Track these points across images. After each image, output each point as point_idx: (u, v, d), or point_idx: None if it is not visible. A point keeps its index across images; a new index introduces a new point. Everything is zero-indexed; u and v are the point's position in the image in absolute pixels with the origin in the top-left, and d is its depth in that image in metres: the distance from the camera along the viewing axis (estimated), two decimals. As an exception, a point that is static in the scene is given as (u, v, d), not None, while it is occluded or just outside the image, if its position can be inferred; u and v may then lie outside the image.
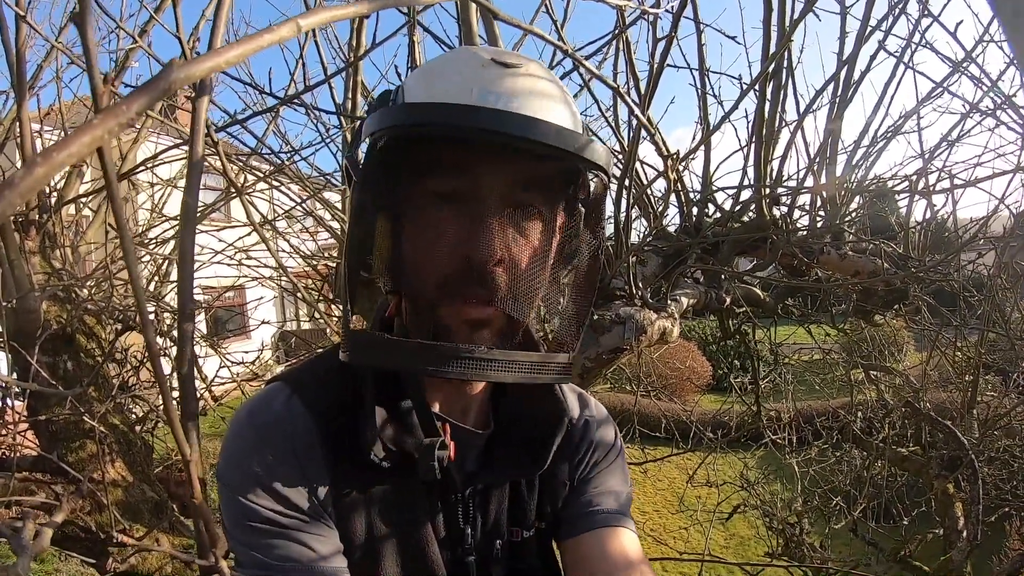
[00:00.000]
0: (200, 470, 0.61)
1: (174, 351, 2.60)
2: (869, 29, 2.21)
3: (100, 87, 0.49)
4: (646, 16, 1.80)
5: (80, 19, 0.42)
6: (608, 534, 0.93)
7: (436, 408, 0.87)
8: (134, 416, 2.71)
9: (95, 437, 2.00)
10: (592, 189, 0.84)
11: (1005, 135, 2.60)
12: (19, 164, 2.45)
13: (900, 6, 2.23)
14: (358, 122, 0.84)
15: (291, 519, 0.78)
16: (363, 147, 0.79)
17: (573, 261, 0.85)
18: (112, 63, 2.60)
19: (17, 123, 1.96)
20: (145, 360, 2.76)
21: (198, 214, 2.60)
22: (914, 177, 2.67)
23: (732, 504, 4.44)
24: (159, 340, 2.68)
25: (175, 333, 2.98)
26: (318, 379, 0.86)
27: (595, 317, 1.90)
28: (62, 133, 2.79)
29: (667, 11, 1.72)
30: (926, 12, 2.32)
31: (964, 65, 2.38)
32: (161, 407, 3.02)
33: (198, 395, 2.65)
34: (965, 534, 3.04)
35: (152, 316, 2.78)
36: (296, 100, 2.13)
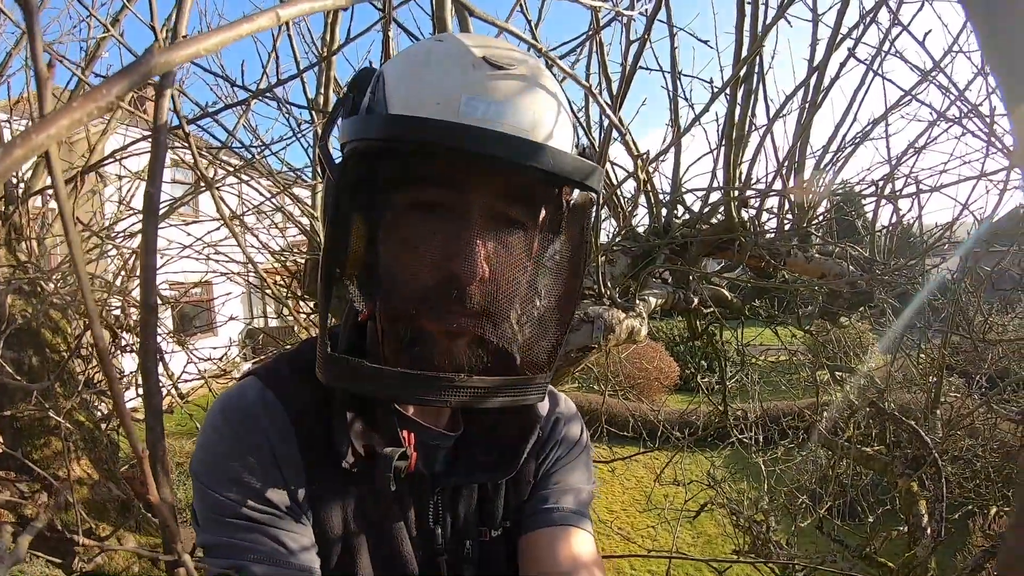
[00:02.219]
0: (166, 465, 0.61)
1: (121, 343, 2.55)
2: (840, 36, 2.25)
3: (44, 74, 0.48)
4: (620, 18, 1.82)
5: (25, 2, 0.41)
6: (561, 533, 0.92)
7: (410, 411, 0.87)
8: (99, 413, 2.67)
9: (60, 434, 1.97)
10: (578, 204, 0.83)
11: (971, 143, 2.68)
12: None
13: (871, 15, 2.27)
14: (332, 110, 0.82)
15: (264, 514, 0.77)
16: (337, 144, 0.78)
17: (555, 278, 0.83)
18: (83, 52, 2.56)
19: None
20: (112, 355, 2.72)
21: (167, 207, 2.57)
22: (881, 182, 2.72)
23: (699, 502, 4.48)
24: (125, 335, 2.65)
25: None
26: (292, 375, 0.85)
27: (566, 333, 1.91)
28: (30, 123, 2.72)
29: (641, 14, 1.74)
30: (896, 21, 2.36)
31: (932, 74, 2.43)
32: (135, 403, 2.98)
33: (165, 393, 2.63)
34: (929, 531, 3.11)
35: (119, 311, 2.73)
36: (268, 94, 2.10)
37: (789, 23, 2.15)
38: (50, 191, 2.49)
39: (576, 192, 0.82)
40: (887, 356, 4.54)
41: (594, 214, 0.93)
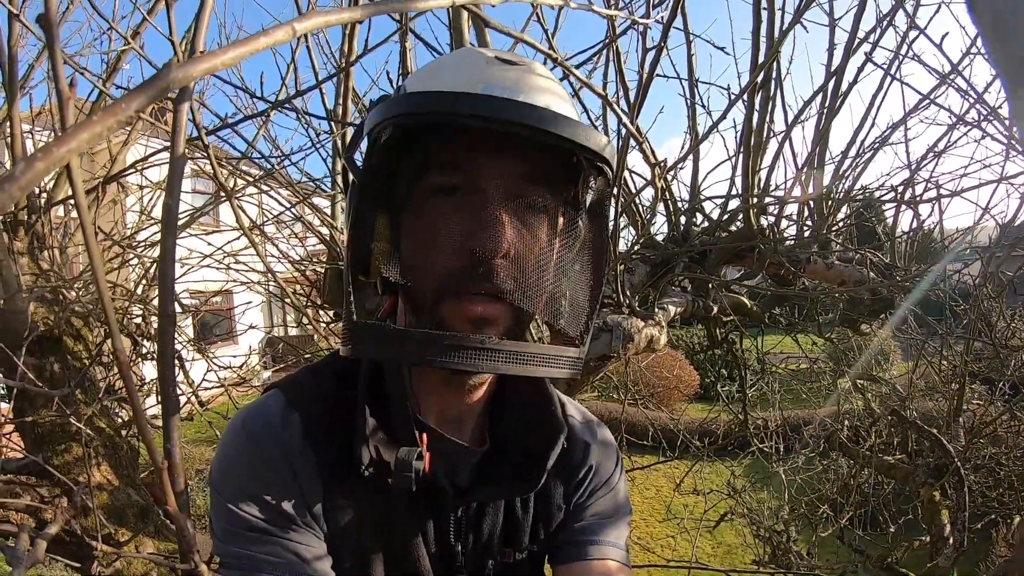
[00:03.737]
0: (181, 476, 0.61)
1: (142, 351, 2.57)
2: (857, 41, 2.23)
3: (66, 92, 0.49)
4: (636, 26, 1.82)
5: (46, 23, 0.42)
6: (595, 567, 0.92)
7: (431, 420, 0.86)
8: (120, 420, 2.70)
9: (81, 440, 1.99)
10: (597, 184, 0.82)
11: (991, 146, 2.64)
12: (8, 165, 2.44)
13: (888, 18, 2.25)
14: (353, 126, 0.84)
15: (280, 527, 0.78)
16: (363, 146, 0.78)
17: (580, 255, 0.82)
18: (104, 64, 2.60)
19: (8, 123, 1.94)
20: (133, 363, 2.75)
21: (187, 218, 2.60)
22: (901, 187, 2.70)
23: (719, 512, 4.44)
24: (146, 343, 2.68)
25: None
26: (314, 388, 0.86)
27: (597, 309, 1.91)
28: (53, 134, 2.78)
29: (657, 22, 1.74)
30: (913, 25, 2.34)
31: (951, 77, 2.40)
32: (154, 411, 3.00)
33: (185, 400, 2.65)
34: (951, 541, 3.06)
35: (140, 319, 2.76)
36: (287, 105, 2.12)
37: (805, 28, 2.14)
38: (72, 201, 2.53)
39: (595, 167, 0.80)
40: (909, 364, 4.49)
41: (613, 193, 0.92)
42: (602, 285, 0.83)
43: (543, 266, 0.75)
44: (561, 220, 0.81)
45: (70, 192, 2.45)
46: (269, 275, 2.39)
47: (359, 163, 0.80)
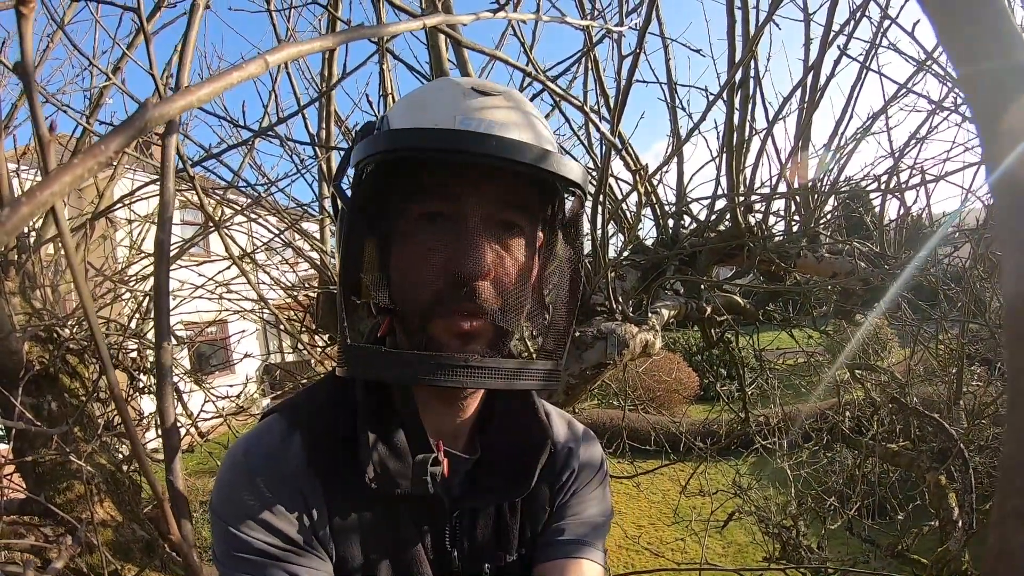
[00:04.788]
0: (186, 506, 0.61)
1: (138, 385, 2.56)
2: (832, 33, 2.25)
3: (46, 136, 0.49)
4: (611, 35, 1.84)
5: (22, 71, 0.42)
6: (571, 566, 0.94)
7: (430, 434, 0.89)
8: (120, 455, 2.69)
9: (82, 477, 1.98)
10: (570, 205, 0.88)
11: (972, 129, 2.65)
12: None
13: (861, 10, 2.27)
14: (339, 152, 0.88)
15: (283, 551, 0.79)
16: (350, 173, 0.83)
17: (555, 273, 0.90)
18: (87, 100, 2.61)
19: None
20: (130, 398, 2.74)
21: (177, 250, 2.60)
22: (885, 176, 2.72)
23: (727, 512, 4.44)
24: (142, 377, 2.67)
25: (159, 370, 2.95)
26: (312, 409, 0.88)
27: (577, 334, 1.91)
28: (38, 172, 2.78)
29: (632, 28, 1.76)
30: (886, 15, 2.36)
31: (927, 64, 2.43)
32: (154, 444, 2.99)
33: (184, 432, 2.64)
34: (960, 524, 3.06)
35: (135, 353, 2.76)
36: (270, 132, 2.13)
37: (777, 25, 2.16)
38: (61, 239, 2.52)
39: (568, 191, 0.88)
40: (906, 350, 4.50)
41: (592, 214, 1.00)
42: (578, 299, 0.89)
43: (522, 284, 0.82)
44: (538, 239, 0.89)
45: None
46: (262, 303, 2.39)
47: (346, 189, 0.84)
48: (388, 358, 0.75)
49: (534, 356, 0.89)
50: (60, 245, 2.66)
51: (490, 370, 0.75)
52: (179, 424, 0.70)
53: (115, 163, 2.81)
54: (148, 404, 3.49)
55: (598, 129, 1.68)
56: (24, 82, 0.42)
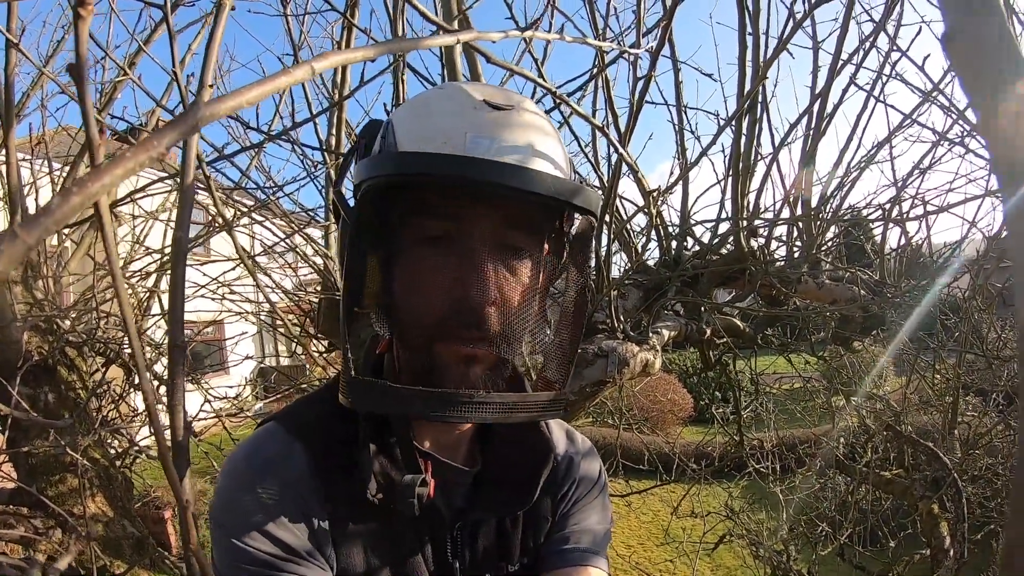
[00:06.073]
0: (192, 509, 0.62)
1: (155, 385, 2.56)
2: (841, 63, 2.27)
3: (96, 138, 0.50)
4: (626, 56, 1.85)
5: (77, 73, 0.43)
6: (579, 574, 0.94)
7: (426, 445, 0.89)
8: (114, 451, 2.68)
9: (76, 471, 1.98)
10: (579, 229, 0.86)
11: (975, 161, 2.68)
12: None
13: (870, 39, 2.29)
14: (344, 155, 0.86)
15: (284, 560, 0.78)
16: (351, 185, 0.82)
17: (562, 299, 0.87)
18: (98, 94, 2.61)
19: (3, 150, 1.95)
20: (126, 394, 2.73)
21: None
22: (888, 205, 2.73)
23: (718, 534, 4.42)
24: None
25: (157, 368, 2.95)
26: (313, 418, 0.88)
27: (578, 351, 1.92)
28: (45, 162, 2.78)
29: (647, 51, 1.77)
30: (895, 47, 2.39)
31: (933, 95, 2.45)
32: (148, 442, 2.99)
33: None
34: (952, 553, 3.06)
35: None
36: (284, 136, 2.14)
37: (791, 54, 2.18)
38: (65, 230, 2.53)
39: (578, 215, 0.86)
40: (902, 379, 4.51)
41: (597, 234, 0.97)
42: (583, 325, 0.88)
43: (527, 309, 0.81)
44: (544, 262, 0.86)
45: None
46: (266, 304, 2.39)
47: (347, 197, 0.84)
48: (390, 393, 0.74)
49: (535, 379, 0.89)
50: (65, 235, 2.67)
51: (494, 405, 0.75)
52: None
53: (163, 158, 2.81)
54: (142, 402, 3.47)
55: (618, 152, 1.69)
56: (78, 84, 0.42)
